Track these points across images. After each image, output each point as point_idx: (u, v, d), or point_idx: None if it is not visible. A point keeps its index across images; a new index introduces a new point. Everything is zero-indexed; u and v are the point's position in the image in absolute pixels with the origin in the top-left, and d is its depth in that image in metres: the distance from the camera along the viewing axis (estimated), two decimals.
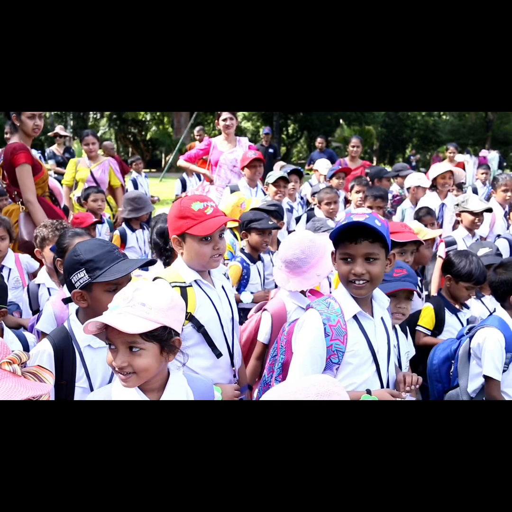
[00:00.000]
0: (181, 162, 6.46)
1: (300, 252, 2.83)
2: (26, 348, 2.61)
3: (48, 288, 3.53)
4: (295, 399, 1.49)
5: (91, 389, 2.11)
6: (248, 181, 5.43)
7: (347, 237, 2.01)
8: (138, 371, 1.67)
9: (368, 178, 6.53)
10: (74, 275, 2.10)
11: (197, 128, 11.55)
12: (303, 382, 1.56)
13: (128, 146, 30.16)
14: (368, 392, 2.07)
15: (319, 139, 11.19)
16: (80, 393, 2.10)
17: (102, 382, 2.13)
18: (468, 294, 3.55)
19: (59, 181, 6.69)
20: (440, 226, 5.18)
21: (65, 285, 2.32)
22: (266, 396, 1.59)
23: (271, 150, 11.54)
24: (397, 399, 2.09)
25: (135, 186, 9.09)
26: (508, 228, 5.05)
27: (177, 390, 1.79)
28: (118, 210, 6.43)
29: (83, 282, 2.09)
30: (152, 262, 2.39)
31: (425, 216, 4.65)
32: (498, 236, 4.95)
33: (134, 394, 1.72)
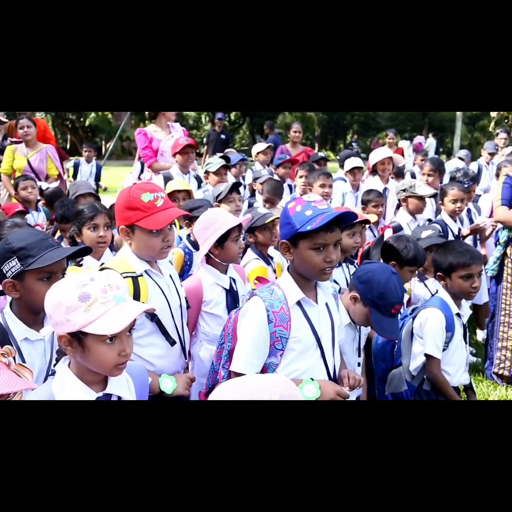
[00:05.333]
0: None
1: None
2: None
3: None
4: (255, 399, 1.41)
5: None
6: (180, 168, 5.30)
7: (323, 227, 1.98)
8: (130, 354, 1.70)
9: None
10: (6, 264, 2.03)
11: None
12: (260, 381, 1.47)
13: (67, 133, 29.27)
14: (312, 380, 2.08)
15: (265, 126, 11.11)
16: None
17: (39, 375, 2.07)
18: (411, 276, 3.64)
19: None
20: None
21: None
22: (217, 395, 1.48)
23: (223, 136, 11.07)
24: (339, 398, 2.09)
25: (75, 172, 8.70)
26: (438, 213, 5.15)
27: (118, 379, 1.76)
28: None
29: (15, 271, 2.02)
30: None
31: (377, 197, 4.76)
32: (429, 220, 5.05)
33: (79, 389, 1.67)
